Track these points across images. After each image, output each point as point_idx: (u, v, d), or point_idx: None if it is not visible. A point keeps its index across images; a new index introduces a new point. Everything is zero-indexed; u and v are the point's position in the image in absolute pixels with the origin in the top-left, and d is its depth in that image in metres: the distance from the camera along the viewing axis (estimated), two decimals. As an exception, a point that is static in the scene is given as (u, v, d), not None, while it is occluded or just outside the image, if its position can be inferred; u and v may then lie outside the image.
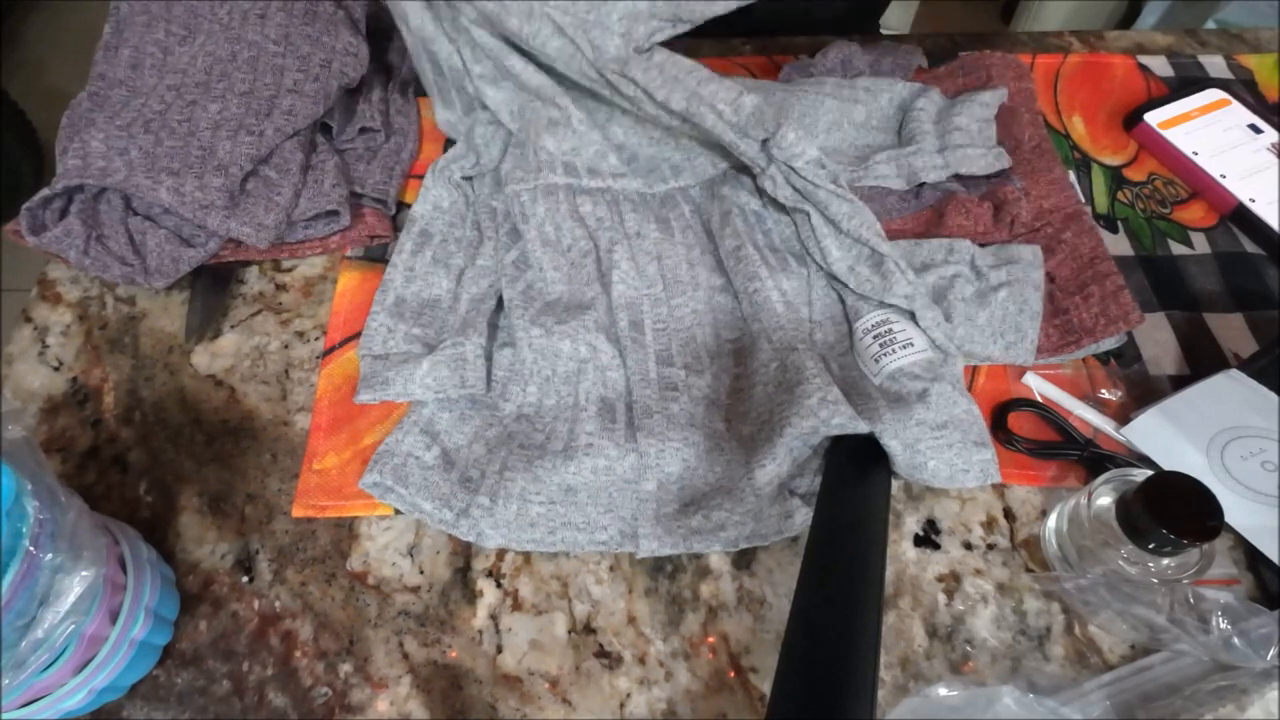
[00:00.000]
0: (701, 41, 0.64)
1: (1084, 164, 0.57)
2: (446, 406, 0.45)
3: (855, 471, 0.40)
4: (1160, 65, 0.63)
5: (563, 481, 0.42)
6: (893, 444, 0.40)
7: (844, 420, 0.40)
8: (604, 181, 0.53)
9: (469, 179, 0.56)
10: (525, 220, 0.51)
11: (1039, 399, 0.46)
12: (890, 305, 0.46)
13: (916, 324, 0.46)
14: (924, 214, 0.53)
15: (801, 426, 0.40)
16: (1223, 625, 0.35)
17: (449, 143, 0.58)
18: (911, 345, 0.44)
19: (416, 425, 0.44)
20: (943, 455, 0.40)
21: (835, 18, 0.69)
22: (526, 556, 0.42)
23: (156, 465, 0.45)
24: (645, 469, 0.42)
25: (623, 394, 0.46)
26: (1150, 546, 0.36)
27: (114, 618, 0.35)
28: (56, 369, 0.49)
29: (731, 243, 0.50)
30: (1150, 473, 0.37)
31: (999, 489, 0.44)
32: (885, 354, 0.44)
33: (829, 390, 0.41)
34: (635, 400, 0.45)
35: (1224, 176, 0.55)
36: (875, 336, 0.45)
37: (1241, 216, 0.53)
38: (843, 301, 0.49)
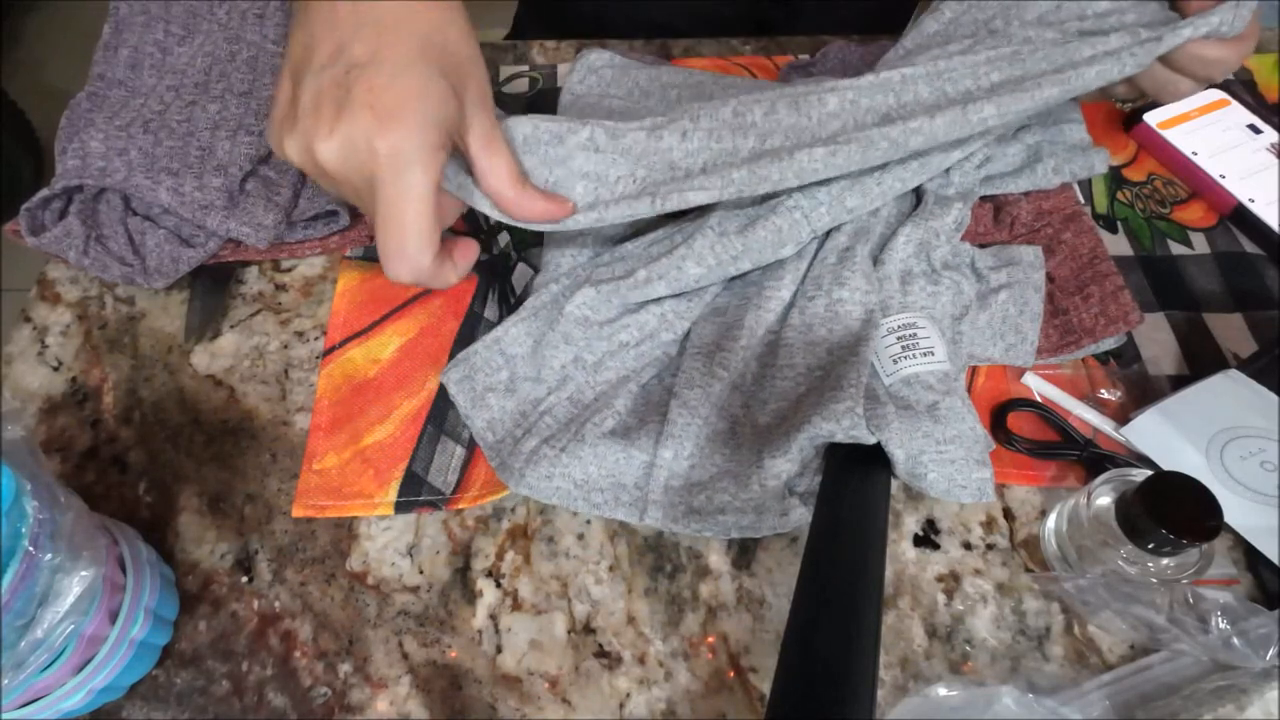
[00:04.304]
0: (701, 41, 0.64)
1: (1083, 164, 0.57)
2: (530, 332, 0.46)
3: (855, 471, 0.40)
4: (1160, 65, 0.63)
5: (579, 433, 0.43)
6: (897, 452, 0.40)
7: (860, 433, 0.40)
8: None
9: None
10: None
11: (1038, 399, 0.46)
12: (921, 309, 0.46)
13: (940, 333, 0.45)
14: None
15: (821, 428, 0.40)
16: (1222, 625, 0.35)
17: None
18: (932, 354, 0.44)
19: (498, 344, 0.46)
20: (944, 469, 0.40)
21: (866, 18, 0.69)
22: (526, 556, 0.42)
23: (156, 465, 0.45)
24: (667, 437, 0.42)
25: (671, 384, 0.46)
26: (1150, 546, 0.36)
27: (113, 618, 0.35)
28: (56, 369, 0.49)
29: (844, 240, 0.48)
30: (1150, 473, 0.37)
31: (999, 489, 0.44)
32: (905, 356, 0.44)
33: (858, 404, 0.41)
34: (681, 369, 0.45)
35: (1223, 176, 0.55)
36: (899, 337, 0.45)
37: (1241, 216, 0.53)
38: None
